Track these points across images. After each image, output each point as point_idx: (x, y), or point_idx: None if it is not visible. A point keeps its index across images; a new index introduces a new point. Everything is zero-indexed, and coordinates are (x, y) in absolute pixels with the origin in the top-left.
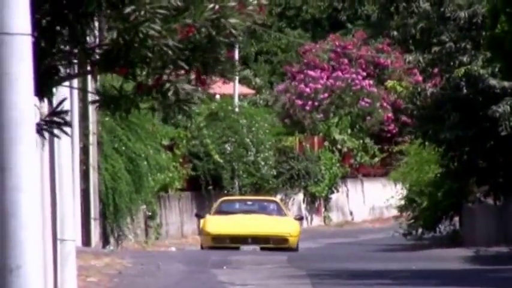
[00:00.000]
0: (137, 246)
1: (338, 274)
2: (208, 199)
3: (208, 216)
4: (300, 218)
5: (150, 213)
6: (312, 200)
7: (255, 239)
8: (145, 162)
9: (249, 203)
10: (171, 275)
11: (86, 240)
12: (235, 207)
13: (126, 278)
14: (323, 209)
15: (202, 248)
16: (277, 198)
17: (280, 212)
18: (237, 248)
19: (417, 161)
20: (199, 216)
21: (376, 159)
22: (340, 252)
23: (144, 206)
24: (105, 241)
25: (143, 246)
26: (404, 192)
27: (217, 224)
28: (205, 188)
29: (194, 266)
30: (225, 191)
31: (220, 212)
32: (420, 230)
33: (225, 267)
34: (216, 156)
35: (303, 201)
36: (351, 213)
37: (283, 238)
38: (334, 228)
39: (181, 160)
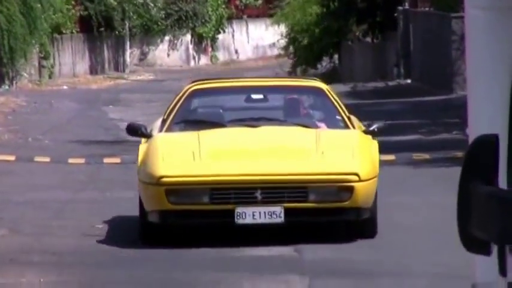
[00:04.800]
0: (31, 85)
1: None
2: (100, 40)
3: (158, 135)
4: (383, 130)
5: (43, 54)
6: (199, 40)
7: (272, 193)
8: (39, 5)
9: (256, 96)
10: (64, 112)
11: None
12: (224, 106)
13: (20, 115)
14: (210, 49)
15: (144, 215)
16: (321, 83)
17: (331, 116)
18: (230, 216)
19: (299, 2)
20: (135, 130)
21: (260, 1)
22: None
23: (37, 46)
24: (0, 81)
25: (37, 85)
26: (287, 32)
27: (179, 156)
28: (97, 29)
29: (86, 104)
30: (116, 32)
31: (186, 121)
32: (302, 67)
33: (111, 106)
34: None
35: (191, 42)
36: (236, 52)
37: (341, 186)
38: (220, 67)
39: (73, 2)
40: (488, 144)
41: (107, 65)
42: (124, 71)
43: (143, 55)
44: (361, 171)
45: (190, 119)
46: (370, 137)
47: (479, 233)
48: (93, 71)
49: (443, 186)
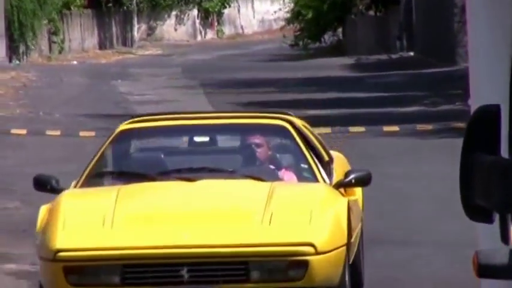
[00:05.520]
0: (41, 60)
1: (229, 84)
2: (108, 15)
3: (63, 194)
4: (364, 180)
5: (53, 30)
6: (205, 15)
7: (202, 270)
8: None
9: (200, 139)
10: (74, 86)
11: None
12: (159, 152)
13: (31, 90)
14: (216, 24)
15: None
16: (288, 119)
17: (298, 164)
18: None
19: None
20: (43, 184)
21: None
22: (232, 63)
23: (47, 21)
24: (11, 56)
25: (47, 60)
26: (292, 5)
27: (86, 223)
28: (105, 5)
29: (95, 78)
30: (124, 7)
31: (107, 173)
32: (306, 41)
33: (120, 80)
34: None
35: (197, 17)
36: (242, 27)
37: (292, 260)
38: (227, 41)
39: None
40: (490, 114)
41: (115, 40)
42: (132, 46)
43: (151, 30)
44: (318, 241)
45: (111, 171)
46: (357, 193)
47: (482, 202)
48: (102, 46)
49: (446, 156)
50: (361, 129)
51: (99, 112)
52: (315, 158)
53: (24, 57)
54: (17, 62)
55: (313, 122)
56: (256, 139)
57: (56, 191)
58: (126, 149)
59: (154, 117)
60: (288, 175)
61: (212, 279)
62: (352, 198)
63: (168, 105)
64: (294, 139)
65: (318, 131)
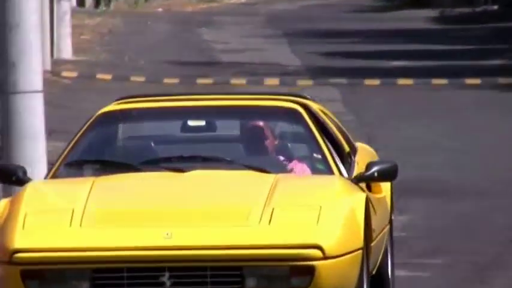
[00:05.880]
0: (127, 7)
1: (312, 33)
2: None
3: (28, 185)
4: (389, 173)
5: None
6: None
7: (187, 276)
8: None
9: (195, 123)
10: (159, 33)
11: (81, 0)
12: (146, 139)
13: (117, 36)
14: None
15: None
16: (301, 102)
17: (310, 153)
18: None
19: None
20: (8, 176)
21: None
22: (315, 13)
23: None
24: (97, 2)
25: (133, 7)
26: None
27: (50, 220)
28: None
29: (180, 26)
30: None
31: (83, 162)
32: None
33: (204, 28)
34: None
35: None
36: None
37: (296, 266)
38: None
39: None
40: None
41: None
42: None
43: None
44: (326, 243)
45: (88, 159)
46: (385, 190)
47: None
48: None
49: None
50: (444, 81)
51: (183, 59)
52: (331, 147)
53: (110, 3)
54: (103, 8)
55: (396, 73)
56: (261, 127)
57: (23, 183)
58: (107, 134)
59: (142, 99)
60: (299, 167)
61: (199, 287)
62: (377, 196)
63: (252, 54)
64: (307, 125)
65: (401, 82)
